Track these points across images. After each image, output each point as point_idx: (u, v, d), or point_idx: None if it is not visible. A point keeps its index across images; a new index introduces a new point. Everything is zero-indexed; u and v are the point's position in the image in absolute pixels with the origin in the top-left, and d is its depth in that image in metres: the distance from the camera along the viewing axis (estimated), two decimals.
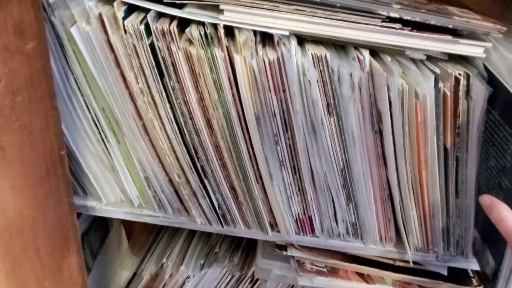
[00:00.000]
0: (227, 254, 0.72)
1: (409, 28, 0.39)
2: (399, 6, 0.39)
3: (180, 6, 0.42)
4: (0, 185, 0.37)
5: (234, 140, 0.45)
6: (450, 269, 0.58)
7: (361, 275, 0.63)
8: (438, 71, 0.40)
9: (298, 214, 0.52)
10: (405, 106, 0.41)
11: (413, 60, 0.42)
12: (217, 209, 0.53)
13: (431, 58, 0.42)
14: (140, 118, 0.46)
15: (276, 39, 0.41)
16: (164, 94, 0.44)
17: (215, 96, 0.43)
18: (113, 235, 0.74)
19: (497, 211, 0.35)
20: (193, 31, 0.40)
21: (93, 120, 0.48)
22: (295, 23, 0.40)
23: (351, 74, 0.40)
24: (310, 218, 0.52)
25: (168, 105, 0.44)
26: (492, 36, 0.40)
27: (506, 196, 0.39)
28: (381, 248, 0.54)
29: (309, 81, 0.41)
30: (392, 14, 0.39)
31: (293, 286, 0.68)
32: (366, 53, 0.41)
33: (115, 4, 0.41)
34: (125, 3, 0.42)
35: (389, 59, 0.41)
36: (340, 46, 0.44)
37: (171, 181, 0.52)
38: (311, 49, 0.41)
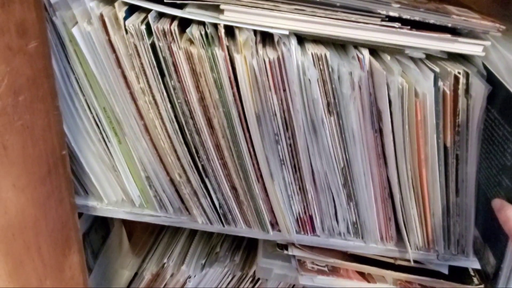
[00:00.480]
0: (228, 254, 0.72)
1: (409, 27, 0.39)
2: (398, 5, 0.40)
3: (181, 6, 0.42)
4: (2, 185, 0.37)
5: (235, 139, 0.46)
6: (451, 268, 0.58)
7: (362, 274, 0.63)
8: (437, 69, 0.40)
9: (299, 213, 0.52)
10: (405, 104, 0.41)
11: (413, 59, 0.42)
12: (218, 208, 0.53)
13: (431, 56, 0.42)
14: (141, 117, 0.47)
15: (276, 39, 0.41)
16: (165, 93, 0.44)
17: (216, 95, 0.43)
18: (114, 235, 0.74)
19: (504, 212, 0.36)
20: (193, 31, 0.40)
21: (94, 120, 0.49)
22: (295, 23, 0.40)
23: (351, 73, 0.40)
24: (311, 217, 0.52)
25: (169, 105, 0.45)
26: (491, 35, 0.40)
27: (506, 194, 0.39)
28: (382, 247, 0.54)
29: (309, 80, 0.41)
30: (392, 13, 0.39)
31: (294, 285, 0.68)
32: (365, 52, 0.41)
33: (116, 4, 0.41)
34: (126, 4, 0.42)
35: (389, 58, 0.41)
36: (340, 45, 0.44)
37: (172, 181, 0.52)
38: (311, 48, 0.41)
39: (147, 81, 0.43)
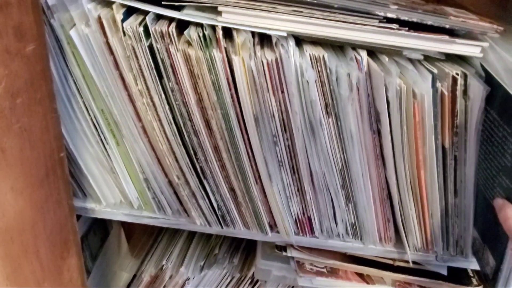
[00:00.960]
0: (227, 256, 0.72)
1: (406, 29, 0.39)
2: (396, 7, 0.40)
3: (179, 8, 0.42)
4: (0, 187, 0.37)
5: (233, 141, 0.45)
6: (449, 268, 0.58)
7: (360, 276, 0.63)
8: (435, 70, 0.40)
9: (298, 214, 0.52)
10: (403, 106, 0.41)
11: (411, 60, 0.42)
12: (216, 210, 0.53)
13: (429, 58, 0.42)
14: (139, 119, 0.46)
15: (274, 40, 0.41)
16: (163, 95, 0.44)
17: (214, 97, 0.43)
18: (113, 237, 0.74)
19: (505, 210, 0.36)
20: (191, 33, 0.40)
21: (93, 122, 0.49)
22: (293, 24, 0.40)
23: (349, 74, 0.41)
24: (309, 218, 0.52)
25: (167, 107, 0.45)
26: (489, 36, 0.40)
27: (506, 195, 0.39)
28: (381, 248, 0.54)
29: (307, 81, 0.41)
30: (389, 15, 0.39)
31: (293, 287, 0.68)
32: (363, 54, 0.41)
33: (114, 6, 0.41)
34: (124, 6, 0.42)
35: (387, 59, 0.41)
36: (338, 46, 0.44)
37: (170, 183, 0.52)
38: (309, 50, 0.41)
39: (145, 83, 0.43)
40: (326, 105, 0.42)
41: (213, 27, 0.41)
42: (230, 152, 0.47)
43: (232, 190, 0.51)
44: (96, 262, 0.69)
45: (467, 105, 0.41)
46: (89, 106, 0.47)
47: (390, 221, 0.51)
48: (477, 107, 0.40)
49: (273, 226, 0.54)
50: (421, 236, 0.51)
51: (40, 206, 0.43)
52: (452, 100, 0.41)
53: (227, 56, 0.40)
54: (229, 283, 0.70)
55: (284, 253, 0.60)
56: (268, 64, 0.40)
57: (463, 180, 0.45)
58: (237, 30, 0.41)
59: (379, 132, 0.44)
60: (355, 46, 0.42)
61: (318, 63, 0.40)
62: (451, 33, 0.40)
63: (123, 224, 0.78)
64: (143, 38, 0.40)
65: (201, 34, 0.40)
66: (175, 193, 0.53)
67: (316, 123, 0.43)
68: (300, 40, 0.43)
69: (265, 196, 0.50)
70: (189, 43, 0.41)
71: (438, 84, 0.40)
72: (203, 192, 0.51)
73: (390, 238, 0.53)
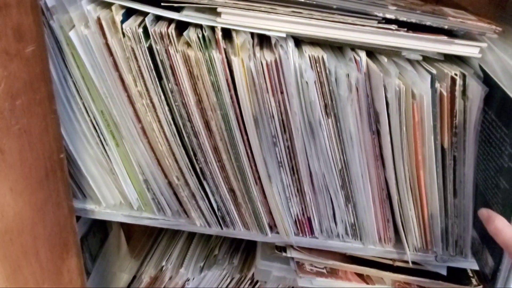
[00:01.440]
0: (227, 256, 0.72)
1: (405, 29, 0.39)
2: (395, 8, 0.40)
3: (178, 9, 0.42)
4: (0, 189, 0.37)
5: (233, 142, 0.46)
6: (449, 269, 0.58)
7: (360, 276, 0.63)
8: (434, 71, 0.40)
9: (297, 215, 0.52)
10: (402, 106, 0.41)
11: (410, 61, 0.43)
12: (216, 211, 0.53)
13: (427, 58, 0.42)
14: (139, 120, 0.47)
15: (273, 41, 0.41)
16: (162, 96, 0.44)
17: (213, 98, 0.43)
18: (113, 238, 0.74)
19: (493, 223, 0.35)
20: (191, 34, 0.40)
21: (92, 123, 0.49)
22: (292, 25, 0.40)
23: (348, 75, 0.41)
24: (309, 219, 0.52)
25: (166, 108, 0.45)
26: (487, 37, 0.40)
27: (503, 196, 0.40)
28: (380, 249, 0.54)
29: (306, 82, 0.41)
30: (388, 16, 0.39)
31: (292, 287, 0.68)
32: (362, 54, 0.41)
33: (113, 8, 0.41)
34: (123, 7, 0.42)
35: (386, 60, 0.42)
36: (337, 47, 0.44)
37: (170, 184, 0.52)
38: (308, 50, 0.41)
39: (145, 84, 0.43)
40: (326, 106, 0.43)
41: (213, 28, 0.41)
42: (229, 153, 0.47)
43: (231, 191, 0.51)
44: (95, 263, 0.68)
45: (466, 106, 0.41)
46: (89, 107, 0.47)
47: (390, 221, 0.51)
48: (476, 107, 0.40)
49: (272, 226, 0.54)
50: (420, 237, 0.51)
51: (40, 207, 0.43)
52: (451, 100, 0.41)
53: (226, 57, 0.40)
54: (229, 283, 0.70)
55: (284, 254, 0.61)
56: (267, 65, 0.40)
57: (462, 180, 0.45)
58: (237, 31, 0.41)
59: (378, 133, 0.44)
60: (354, 47, 0.42)
61: (317, 64, 0.40)
62: (450, 33, 0.40)
63: (123, 225, 0.78)
64: (143, 39, 0.40)
65: (200, 35, 0.40)
66: (175, 194, 0.53)
67: (315, 123, 0.43)
68: (299, 41, 0.43)
69: (265, 197, 0.50)
70: (188, 44, 0.41)
71: (437, 85, 0.40)
72: (202, 193, 0.51)
73: (390, 238, 0.53)
